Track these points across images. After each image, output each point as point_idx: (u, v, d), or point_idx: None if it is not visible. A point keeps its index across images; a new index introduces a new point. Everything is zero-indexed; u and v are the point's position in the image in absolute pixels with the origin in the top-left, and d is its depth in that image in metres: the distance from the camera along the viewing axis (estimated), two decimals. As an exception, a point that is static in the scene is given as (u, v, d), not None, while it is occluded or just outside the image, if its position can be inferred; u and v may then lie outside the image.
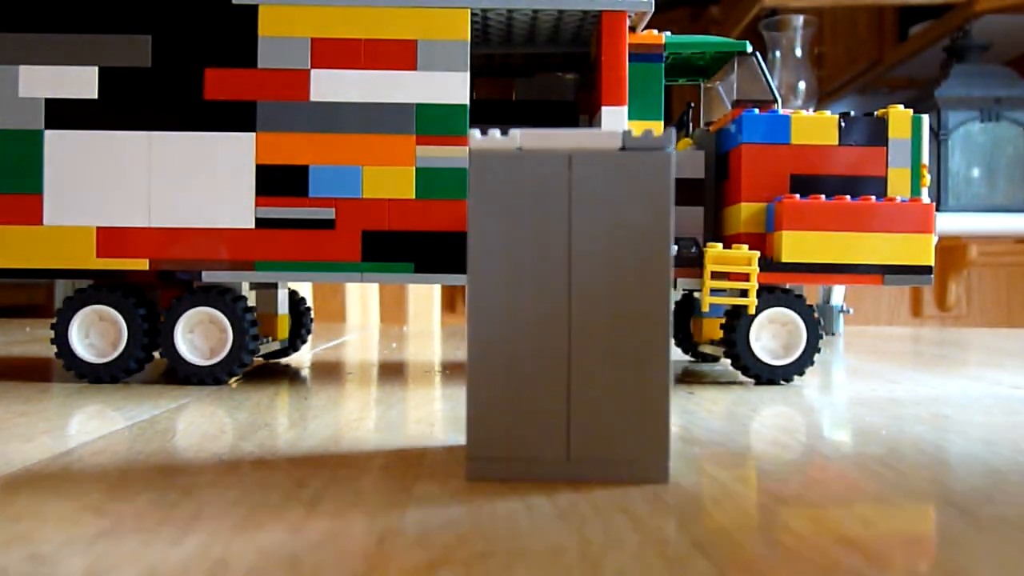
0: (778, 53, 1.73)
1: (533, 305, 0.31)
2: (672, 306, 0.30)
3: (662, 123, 0.64)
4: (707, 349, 0.76)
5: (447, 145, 0.57)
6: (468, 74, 0.57)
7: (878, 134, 0.64)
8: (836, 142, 0.64)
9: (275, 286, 0.69)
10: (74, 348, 0.59)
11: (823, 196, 0.62)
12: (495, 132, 0.31)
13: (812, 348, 0.64)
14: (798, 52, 1.72)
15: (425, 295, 1.52)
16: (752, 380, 0.64)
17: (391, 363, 0.79)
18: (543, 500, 0.28)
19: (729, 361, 0.65)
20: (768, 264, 0.63)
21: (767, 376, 0.63)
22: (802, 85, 1.71)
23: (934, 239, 0.62)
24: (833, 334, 1.22)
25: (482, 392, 0.31)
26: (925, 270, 0.62)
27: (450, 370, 0.72)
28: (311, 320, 0.77)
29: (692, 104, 0.75)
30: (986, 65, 1.59)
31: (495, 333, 0.31)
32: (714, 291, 0.63)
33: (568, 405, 0.31)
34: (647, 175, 0.30)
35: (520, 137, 0.31)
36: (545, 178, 0.31)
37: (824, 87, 1.94)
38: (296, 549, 0.23)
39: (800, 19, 1.73)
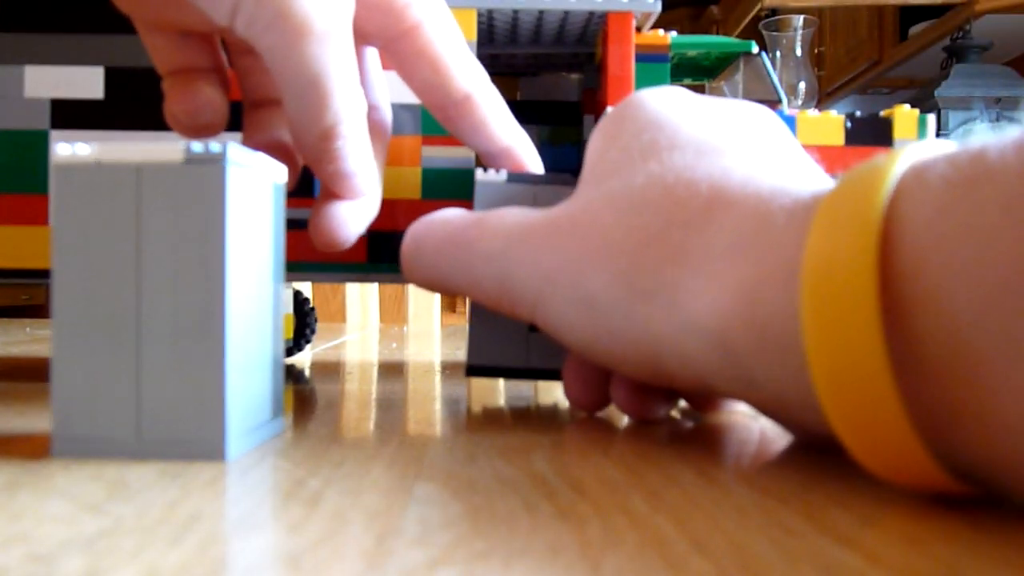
0: (778, 53, 1.73)
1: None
2: (229, 292, 0.31)
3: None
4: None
5: (453, 145, 0.57)
6: (472, 74, 0.57)
7: (884, 134, 0.64)
8: (843, 142, 0.63)
9: (276, 286, 0.69)
10: (74, 348, 0.58)
11: (824, 196, 0.62)
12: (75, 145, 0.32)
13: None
14: (798, 52, 1.72)
15: (425, 295, 1.52)
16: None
17: (391, 363, 0.79)
18: (543, 500, 0.28)
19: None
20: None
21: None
22: (802, 85, 1.71)
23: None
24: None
25: (66, 369, 0.32)
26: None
27: (450, 370, 0.72)
28: (315, 320, 0.77)
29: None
30: (986, 65, 1.60)
31: (81, 319, 0.32)
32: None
33: (138, 383, 0.32)
34: (199, 189, 0.31)
35: (98, 149, 0.32)
36: (117, 193, 0.32)
37: (824, 87, 1.94)
38: (296, 549, 0.23)
39: (800, 19, 1.73)
